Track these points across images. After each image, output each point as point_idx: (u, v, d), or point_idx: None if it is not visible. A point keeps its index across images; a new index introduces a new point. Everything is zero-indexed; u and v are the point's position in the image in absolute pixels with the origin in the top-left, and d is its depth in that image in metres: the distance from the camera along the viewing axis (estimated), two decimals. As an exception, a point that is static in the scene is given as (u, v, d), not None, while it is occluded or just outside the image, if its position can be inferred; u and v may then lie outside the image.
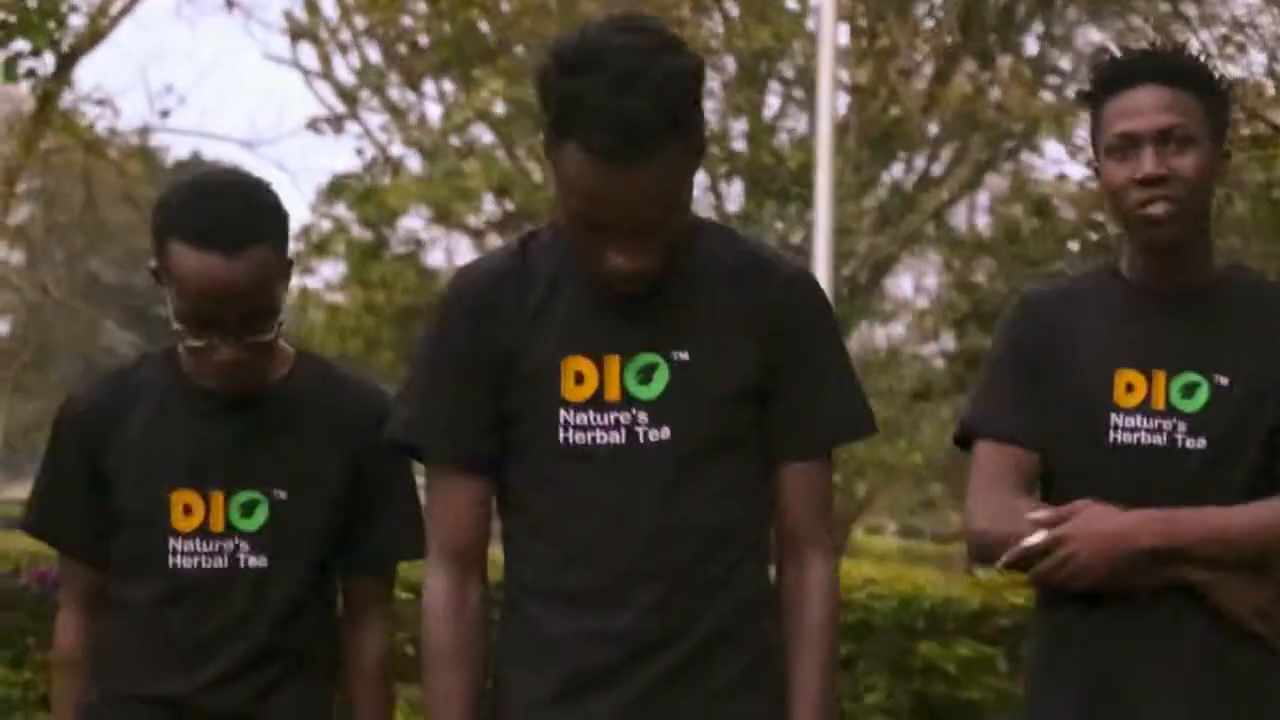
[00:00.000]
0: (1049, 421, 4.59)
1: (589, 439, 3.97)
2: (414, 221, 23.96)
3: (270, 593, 4.42)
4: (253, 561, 4.39)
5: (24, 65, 15.84)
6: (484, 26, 24.15)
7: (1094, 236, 22.86)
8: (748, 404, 3.99)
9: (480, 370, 3.97)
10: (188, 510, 4.41)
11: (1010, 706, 12.61)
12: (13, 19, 15.29)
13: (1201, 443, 4.46)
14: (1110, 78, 4.55)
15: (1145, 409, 4.50)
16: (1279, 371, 4.49)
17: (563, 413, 3.94)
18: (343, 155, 57.88)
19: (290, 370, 4.53)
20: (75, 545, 4.57)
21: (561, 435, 3.95)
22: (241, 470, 4.41)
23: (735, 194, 27.07)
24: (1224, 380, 4.47)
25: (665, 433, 3.97)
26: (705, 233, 4.11)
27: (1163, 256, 4.52)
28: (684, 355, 3.98)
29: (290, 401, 4.53)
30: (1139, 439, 4.51)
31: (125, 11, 16.89)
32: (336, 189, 23.91)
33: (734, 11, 25.46)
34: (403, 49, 27.34)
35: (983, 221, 28.80)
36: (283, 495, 4.43)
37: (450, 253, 25.33)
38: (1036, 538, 4.41)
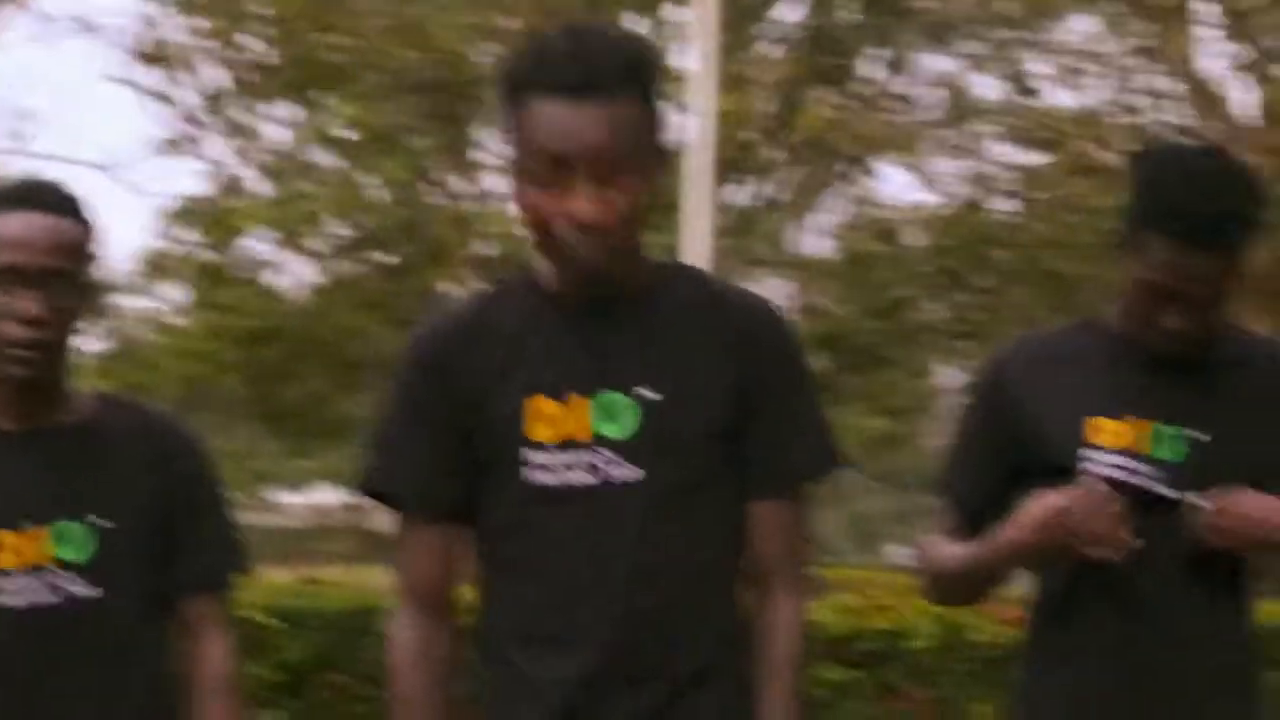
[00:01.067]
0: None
1: (559, 480, 3.96)
2: (259, 244, 23.88)
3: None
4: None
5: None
6: (331, 51, 24.08)
7: (948, 266, 23.14)
8: (720, 443, 3.97)
9: (445, 418, 3.99)
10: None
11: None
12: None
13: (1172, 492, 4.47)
14: (1166, 214, 4.48)
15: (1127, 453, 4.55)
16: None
17: (529, 453, 3.95)
18: (186, 178, 57.93)
19: (92, 405, 4.54)
20: None
21: (530, 476, 3.95)
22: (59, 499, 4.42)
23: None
24: (1204, 437, 4.51)
25: (638, 474, 3.96)
26: (676, 273, 4.16)
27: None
28: (656, 396, 3.99)
29: (98, 435, 4.55)
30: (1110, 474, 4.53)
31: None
32: (182, 211, 23.80)
33: None
34: (243, 73, 27.38)
35: (828, 246, 29.05)
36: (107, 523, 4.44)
37: (294, 275, 25.30)
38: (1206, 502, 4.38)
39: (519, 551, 3.97)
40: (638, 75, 3.93)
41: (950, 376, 30.93)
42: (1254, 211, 4.58)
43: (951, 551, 4.63)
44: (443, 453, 3.93)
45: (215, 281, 24.09)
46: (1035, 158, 24.21)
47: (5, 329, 4.24)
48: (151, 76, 27.71)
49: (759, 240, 26.98)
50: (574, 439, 3.91)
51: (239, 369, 23.97)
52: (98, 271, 4.56)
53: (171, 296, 25.91)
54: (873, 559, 47.45)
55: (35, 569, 4.33)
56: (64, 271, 4.30)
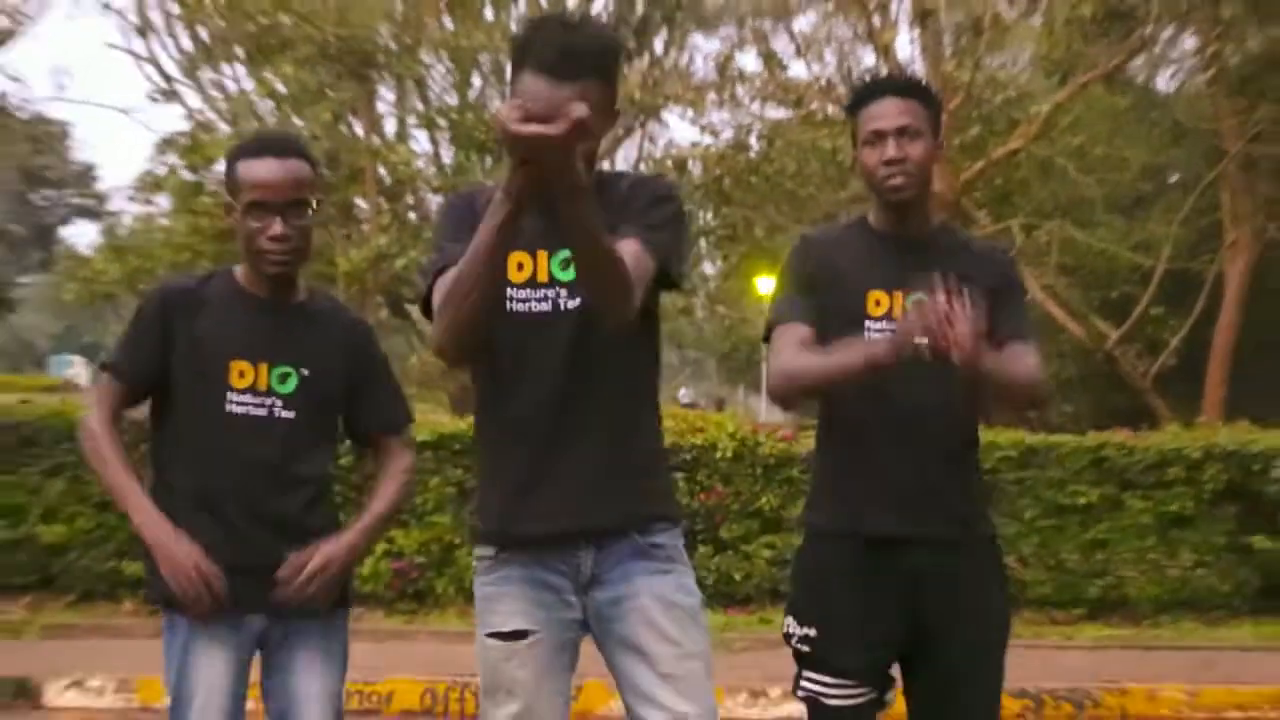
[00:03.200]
0: (823, 320, 4.89)
1: (527, 308, 4.30)
2: (223, 168, 24.01)
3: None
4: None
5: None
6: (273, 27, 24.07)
7: (712, 184, 23.35)
8: None
9: None
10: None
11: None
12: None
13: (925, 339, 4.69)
14: (863, 92, 5.00)
15: (888, 318, 4.85)
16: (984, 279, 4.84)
17: (510, 290, 4.27)
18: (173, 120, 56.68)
19: (309, 294, 4.95)
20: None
21: (509, 306, 4.27)
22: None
23: (448, 153, 27.48)
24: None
25: (577, 302, 4.27)
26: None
27: (898, 212, 4.95)
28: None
29: (310, 314, 4.91)
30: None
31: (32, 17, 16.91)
32: (168, 143, 23.94)
33: (448, 22, 25.73)
34: (208, 42, 27.36)
35: None
36: (306, 372, 4.82)
37: None
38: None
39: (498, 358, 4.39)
40: (607, 60, 4.24)
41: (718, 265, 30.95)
42: (919, 84, 5.10)
43: (818, 359, 4.77)
44: None
45: (193, 194, 24.05)
46: (782, 112, 24.41)
47: (260, 243, 4.68)
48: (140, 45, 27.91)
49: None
50: (539, 280, 4.31)
51: (209, 256, 23.68)
52: (318, 192, 4.84)
53: (163, 205, 25.84)
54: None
55: (255, 391, 4.75)
56: (298, 201, 4.72)
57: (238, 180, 4.75)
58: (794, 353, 4.86)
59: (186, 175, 24.20)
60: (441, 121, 27.07)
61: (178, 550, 4.60)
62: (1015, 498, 13.49)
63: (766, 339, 5.04)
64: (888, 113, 4.89)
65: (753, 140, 24.20)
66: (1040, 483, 13.54)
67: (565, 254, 4.24)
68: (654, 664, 4.28)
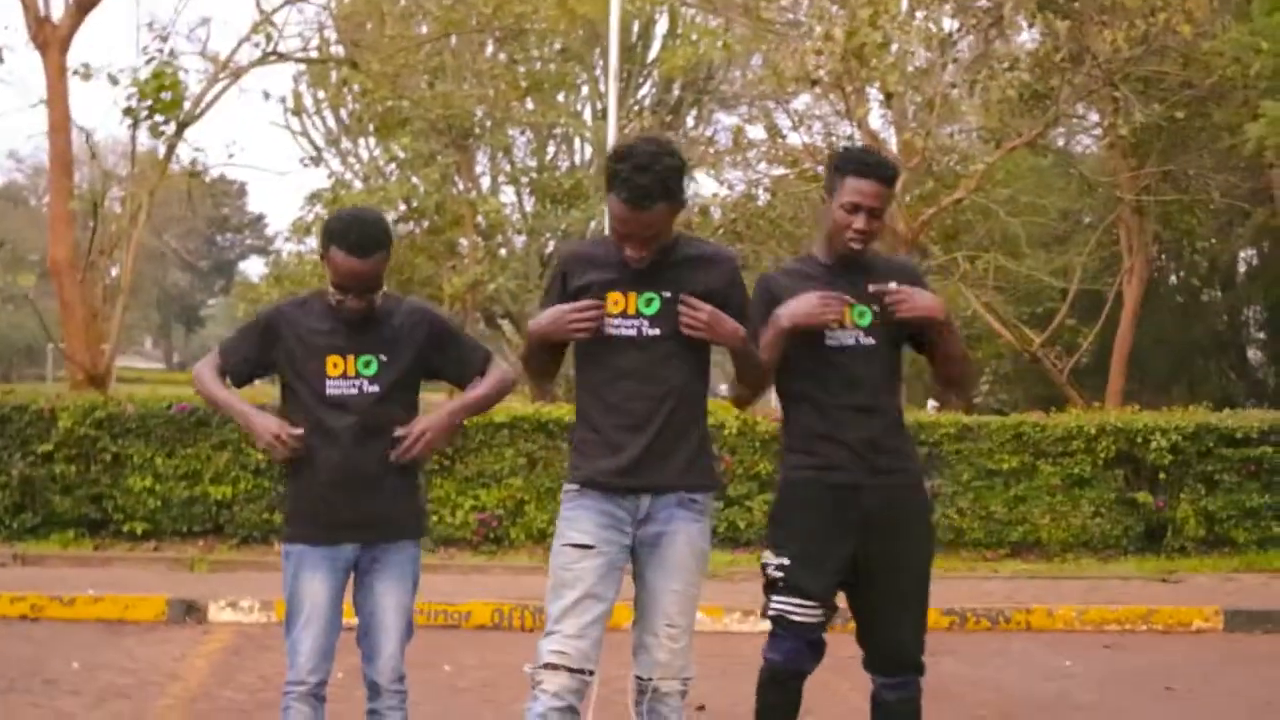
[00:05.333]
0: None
1: (618, 333, 4.65)
2: None
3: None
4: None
5: (160, 129, 16.16)
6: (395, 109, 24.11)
7: (732, 227, 23.31)
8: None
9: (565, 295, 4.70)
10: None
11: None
12: (155, 104, 15.60)
13: (871, 340, 5.04)
14: (855, 164, 5.01)
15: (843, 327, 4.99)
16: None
17: (608, 319, 4.64)
18: (318, 180, 57.46)
19: (381, 300, 4.95)
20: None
21: (607, 330, 4.64)
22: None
23: (530, 202, 27.50)
24: (875, 308, 5.01)
25: (658, 331, 4.65)
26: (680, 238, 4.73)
27: (848, 259, 5.03)
28: (668, 294, 4.62)
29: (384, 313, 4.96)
30: (839, 342, 5.00)
31: (213, 102, 17.00)
32: (315, 197, 23.97)
33: (529, 104, 25.69)
34: (348, 120, 27.50)
35: None
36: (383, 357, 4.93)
37: None
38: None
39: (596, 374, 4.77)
40: (667, 190, 4.49)
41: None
42: (896, 174, 5.17)
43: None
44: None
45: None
46: (781, 170, 24.42)
47: (341, 300, 4.80)
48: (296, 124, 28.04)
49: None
50: (629, 312, 4.64)
51: None
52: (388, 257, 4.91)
53: (311, 244, 25.88)
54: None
55: (345, 376, 4.88)
56: (371, 286, 4.82)
57: (332, 261, 4.81)
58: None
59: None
60: (524, 179, 27.32)
61: (261, 421, 4.92)
62: (954, 464, 13.50)
63: None
64: (869, 192, 4.95)
65: (760, 192, 24.24)
66: (974, 452, 13.54)
67: (649, 295, 4.65)
68: (672, 584, 4.69)
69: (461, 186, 25.94)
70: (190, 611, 10.10)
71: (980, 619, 10.55)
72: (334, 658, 4.99)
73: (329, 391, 4.89)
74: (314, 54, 20.49)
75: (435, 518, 12.87)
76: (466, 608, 10.27)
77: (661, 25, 29.39)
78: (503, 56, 25.95)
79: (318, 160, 27.18)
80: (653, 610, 4.69)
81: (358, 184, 25.61)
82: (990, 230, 24.08)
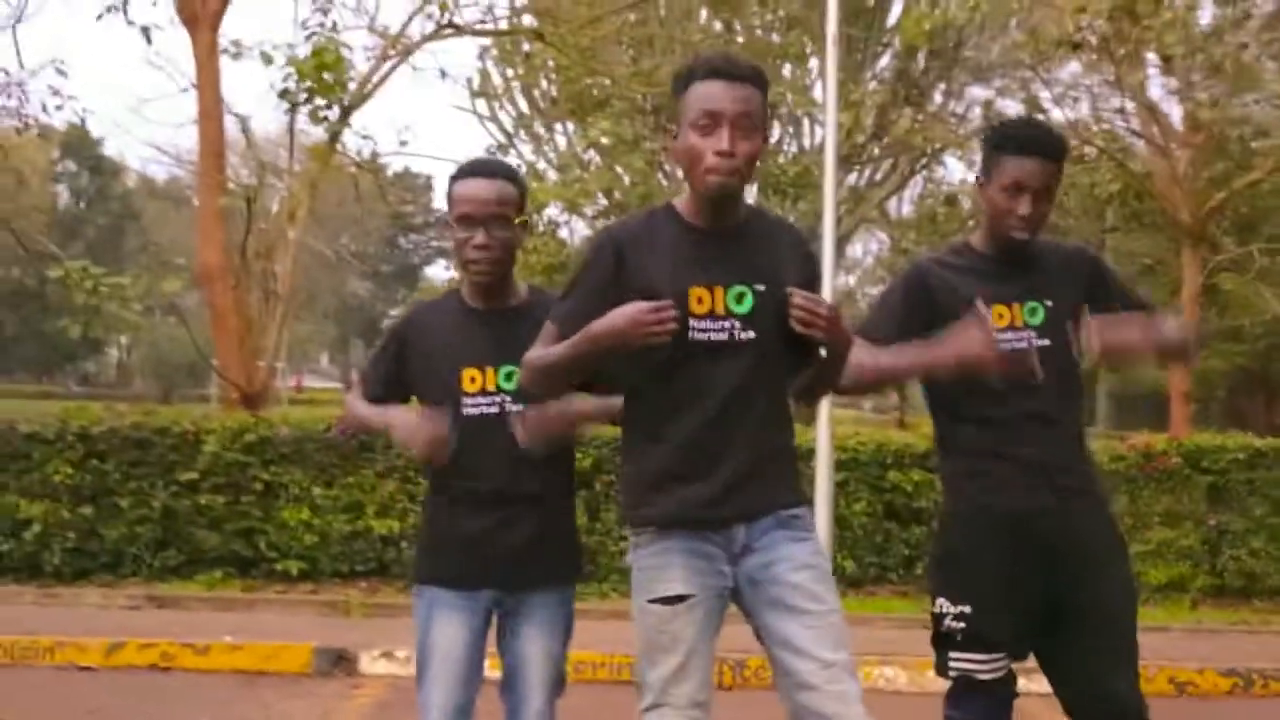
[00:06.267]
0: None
1: (706, 337, 4.36)
2: (552, 211, 24.11)
3: None
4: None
5: (321, 114, 16.39)
6: (594, 89, 24.27)
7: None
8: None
9: (611, 291, 4.34)
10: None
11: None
12: (315, 85, 15.82)
13: (1045, 340, 4.94)
14: (1016, 141, 4.93)
15: (1011, 328, 4.91)
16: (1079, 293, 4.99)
17: (693, 320, 4.33)
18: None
19: (527, 294, 4.94)
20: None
21: (690, 335, 4.33)
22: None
23: (751, 191, 27.35)
24: (1050, 302, 4.97)
25: (752, 334, 4.39)
26: (756, 212, 4.55)
27: (1013, 250, 4.95)
28: (761, 287, 4.39)
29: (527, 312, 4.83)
30: (1013, 346, 4.88)
31: (382, 82, 17.24)
32: None
33: None
34: (541, 103, 27.78)
35: (906, 209, 28.93)
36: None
37: (574, 231, 25.56)
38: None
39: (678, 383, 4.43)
40: (761, 78, 4.34)
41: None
42: (1065, 148, 5.03)
43: (888, 357, 4.92)
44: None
45: (527, 234, 24.37)
46: None
47: (467, 253, 4.79)
48: (481, 106, 28.35)
49: (867, 207, 27.17)
50: (715, 313, 4.34)
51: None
52: (524, 210, 4.91)
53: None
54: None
55: (485, 392, 4.82)
56: (499, 216, 4.80)
57: (451, 198, 4.86)
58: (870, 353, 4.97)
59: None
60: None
61: (411, 422, 4.81)
62: (1245, 497, 13.10)
63: (860, 334, 5.03)
64: (1033, 171, 4.87)
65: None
66: (1269, 482, 13.11)
67: (739, 289, 4.37)
68: (803, 619, 4.34)
69: (672, 175, 26.04)
70: (339, 662, 10.16)
71: (1269, 681, 10.12)
72: (472, 716, 4.93)
73: (466, 411, 4.85)
74: (496, 26, 20.56)
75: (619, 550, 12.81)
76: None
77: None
78: (718, 25, 25.96)
79: (506, 148, 27.43)
80: (793, 659, 4.35)
81: (552, 174, 25.79)
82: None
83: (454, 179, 4.88)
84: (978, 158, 5.24)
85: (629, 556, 4.55)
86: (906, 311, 5.04)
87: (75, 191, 63.11)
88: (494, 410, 4.82)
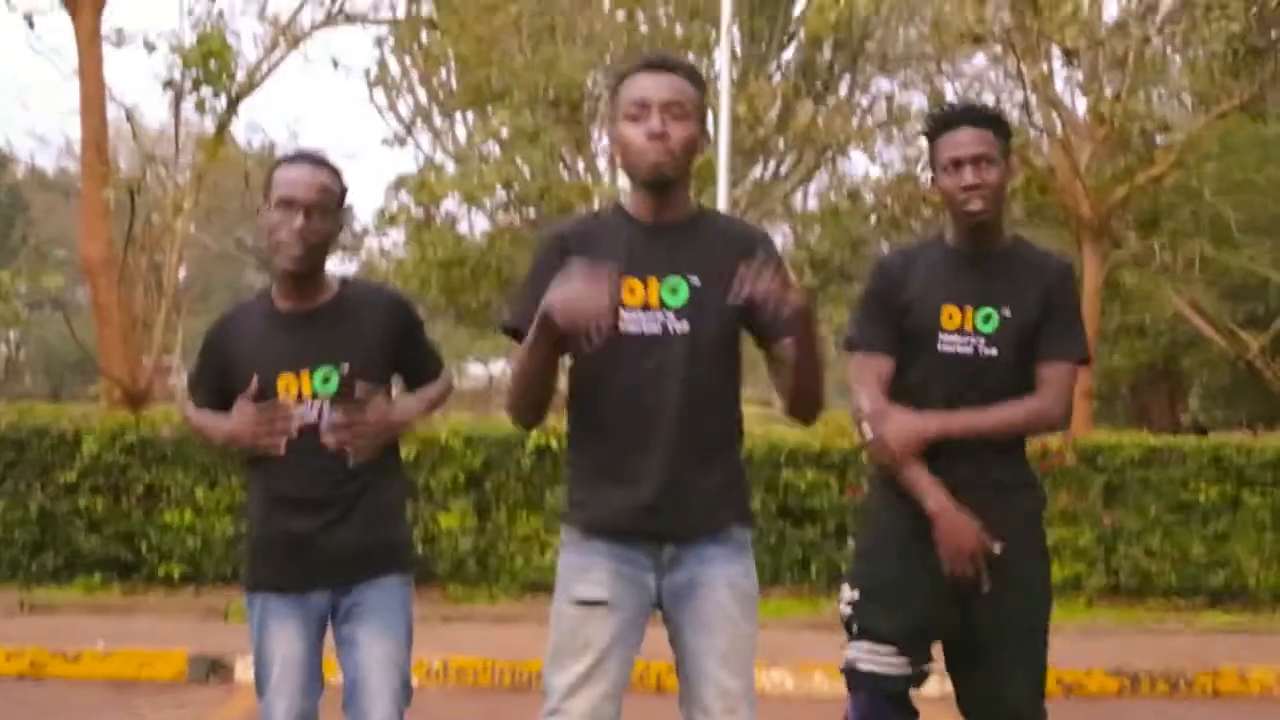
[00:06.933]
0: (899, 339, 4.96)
1: (639, 330, 4.30)
2: (450, 204, 24.03)
3: None
4: None
5: (208, 104, 16.24)
6: (494, 78, 24.20)
7: (885, 212, 23.12)
8: (734, 313, 4.30)
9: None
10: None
11: (838, 512, 12.92)
12: (201, 74, 15.69)
13: (992, 350, 4.88)
14: (941, 120, 4.95)
15: (960, 332, 4.89)
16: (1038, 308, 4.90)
17: (624, 313, 4.26)
18: (403, 162, 58.39)
19: (339, 289, 4.87)
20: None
21: (622, 327, 4.25)
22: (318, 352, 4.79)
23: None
24: (1007, 312, 4.89)
25: (687, 327, 4.32)
26: (702, 211, 4.49)
27: (974, 231, 4.92)
28: (697, 280, 4.33)
29: (342, 307, 4.84)
30: (956, 350, 4.90)
31: (272, 70, 17.10)
32: (401, 183, 24.07)
33: None
34: (440, 93, 27.63)
35: (813, 204, 28.95)
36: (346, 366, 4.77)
37: (472, 225, 25.45)
38: (869, 433, 4.89)
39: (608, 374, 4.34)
40: (693, 73, 4.36)
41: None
42: (995, 115, 5.01)
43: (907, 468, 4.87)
44: None
45: (422, 229, 24.21)
46: None
47: (280, 235, 4.66)
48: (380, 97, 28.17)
49: (771, 201, 27.19)
50: (649, 305, 4.28)
51: (439, 284, 23.94)
52: (343, 208, 4.84)
53: (395, 239, 26.03)
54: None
55: (300, 399, 4.73)
56: (320, 205, 4.69)
57: (272, 182, 4.76)
58: (877, 403, 4.97)
59: (416, 211, 24.25)
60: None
61: (234, 417, 4.79)
62: (1140, 495, 13.18)
63: (849, 349, 5.09)
64: (966, 140, 4.84)
65: (922, 172, 23.89)
66: (1164, 481, 13.20)
67: (673, 281, 4.32)
68: (715, 640, 4.33)
69: (573, 168, 25.99)
70: (214, 670, 10.06)
71: (1157, 681, 10.18)
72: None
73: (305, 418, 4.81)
74: (390, 14, 20.46)
75: (521, 559, 12.77)
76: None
77: (809, -26, 29.22)
78: (621, 15, 25.92)
79: (403, 140, 27.29)
80: (698, 679, 4.35)
81: (450, 166, 25.70)
82: (1197, 214, 23.51)
83: (275, 166, 4.82)
84: (881, 150, 5.23)
85: (559, 555, 4.53)
86: (884, 312, 5.00)
87: (-44, 183, 62.34)
88: (313, 415, 4.76)
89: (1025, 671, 4.93)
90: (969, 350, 4.89)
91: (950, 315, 4.90)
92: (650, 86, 4.29)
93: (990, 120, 4.94)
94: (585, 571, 4.37)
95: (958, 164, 4.83)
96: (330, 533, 4.76)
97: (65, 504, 12.94)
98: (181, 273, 28.54)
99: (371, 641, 4.79)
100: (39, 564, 12.91)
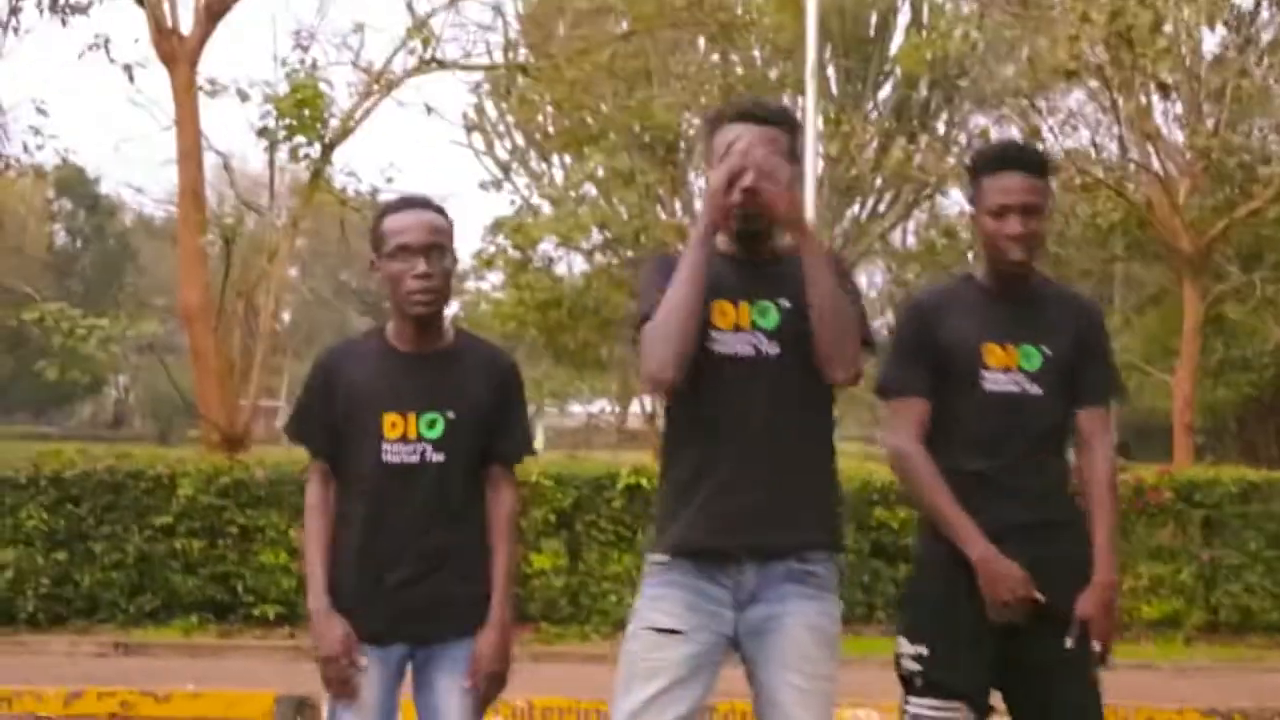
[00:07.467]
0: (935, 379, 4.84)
1: (731, 351, 4.34)
2: (548, 246, 24.12)
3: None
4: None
5: (301, 151, 16.44)
6: (589, 120, 24.33)
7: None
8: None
9: None
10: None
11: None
12: (294, 123, 15.88)
13: (1037, 389, 4.76)
14: (992, 160, 4.83)
15: (1005, 369, 4.77)
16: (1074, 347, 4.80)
17: (713, 333, 4.30)
18: (500, 205, 58.51)
19: (454, 338, 4.85)
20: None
21: (713, 349, 4.30)
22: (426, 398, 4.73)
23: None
24: (1047, 349, 4.77)
25: (778, 350, 4.36)
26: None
27: (1011, 275, 4.81)
28: (788, 302, 4.33)
29: (456, 356, 4.81)
30: (1002, 388, 4.76)
31: (365, 116, 17.28)
32: (498, 226, 24.19)
33: None
34: (537, 136, 27.79)
35: (910, 241, 28.88)
36: (451, 414, 4.73)
37: (570, 266, 25.54)
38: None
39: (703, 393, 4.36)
40: (789, 119, 4.45)
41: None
42: (1045, 161, 4.92)
43: (932, 492, 4.76)
44: None
45: (520, 270, 24.29)
46: None
47: (407, 284, 4.65)
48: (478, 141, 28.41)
49: (869, 239, 27.19)
50: (740, 326, 4.33)
51: (537, 325, 24.02)
52: (456, 251, 4.82)
53: (494, 280, 26.14)
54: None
55: (405, 440, 4.68)
56: (437, 245, 4.69)
57: (383, 232, 4.75)
58: (915, 446, 4.84)
59: (513, 253, 24.37)
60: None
61: (325, 625, 4.70)
62: (1239, 531, 13.03)
63: (882, 394, 4.99)
64: (1015, 188, 4.75)
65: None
66: (1263, 516, 13.04)
67: (764, 303, 4.35)
68: (794, 680, 4.28)
69: (669, 209, 26.03)
70: (300, 710, 10.10)
71: (1250, 720, 10.06)
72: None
73: (386, 458, 4.75)
74: (483, 60, 20.60)
75: (613, 597, 12.83)
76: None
77: (905, 15, 29.19)
78: (716, 57, 25.99)
79: (499, 184, 27.50)
80: (774, 718, 4.32)
81: (547, 208, 25.83)
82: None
83: (381, 216, 4.81)
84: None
85: (640, 586, 4.52)
86: (916, 356, 4.90)
87: (71, 231, 63.17)
88: (414, 459, 4.71)
89: (1081, 699, 4.80)
90: (1015, 389, 4.80)
91: (992, 353, 4.81)
92: (748, 137, 4.33)
93: (1041, 167, 4.85)
94: (662, 601, 4.35)
95: (1005, 210, 4.72)
96: (419, 584, 4.75)
97: (162, 546, 13.11)
98: (286, 317, 28.72)
99: (447, 687, 4.76)
100: (137, 606, 13.07)
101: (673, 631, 4.30)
